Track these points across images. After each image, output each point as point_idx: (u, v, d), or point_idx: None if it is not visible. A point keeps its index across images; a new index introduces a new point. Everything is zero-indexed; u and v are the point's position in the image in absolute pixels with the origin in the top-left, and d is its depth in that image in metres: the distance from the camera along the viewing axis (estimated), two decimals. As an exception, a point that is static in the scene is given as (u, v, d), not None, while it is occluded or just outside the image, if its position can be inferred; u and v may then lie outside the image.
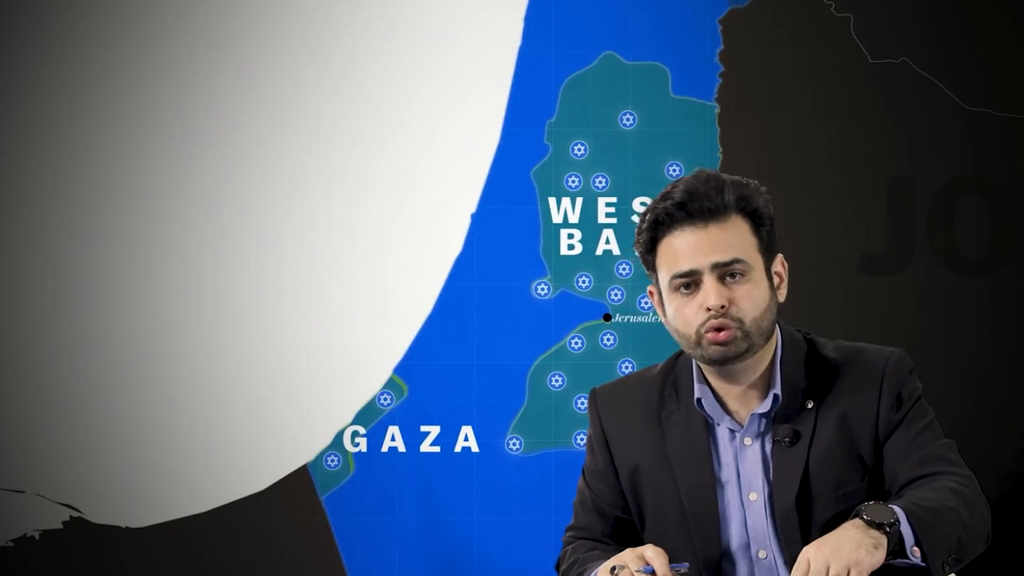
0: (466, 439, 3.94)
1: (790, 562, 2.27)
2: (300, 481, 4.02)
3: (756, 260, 2.38)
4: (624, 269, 4.01)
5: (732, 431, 2.42)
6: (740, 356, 2.37)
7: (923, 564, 2.19)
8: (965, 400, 4.03)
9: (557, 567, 2.53)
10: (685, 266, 2.35)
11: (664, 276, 2.40)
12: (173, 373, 4.09)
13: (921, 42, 4.02)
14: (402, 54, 4.07)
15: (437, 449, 3.94)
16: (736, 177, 2.40)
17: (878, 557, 2.14)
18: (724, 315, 2.34)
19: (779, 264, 2.43)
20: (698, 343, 2.37)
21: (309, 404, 4.06)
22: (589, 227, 4.02)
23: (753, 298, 2.36)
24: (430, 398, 3.95)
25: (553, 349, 3.93)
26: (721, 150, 4.01)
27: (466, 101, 4.02)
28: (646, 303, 3.97)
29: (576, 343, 3.93)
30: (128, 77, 4.10)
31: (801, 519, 2.35)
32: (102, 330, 4.09)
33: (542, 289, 3.94)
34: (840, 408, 2.39)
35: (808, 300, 3.84)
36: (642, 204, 3.98)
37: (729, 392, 2.43)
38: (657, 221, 2.38)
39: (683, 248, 2.37)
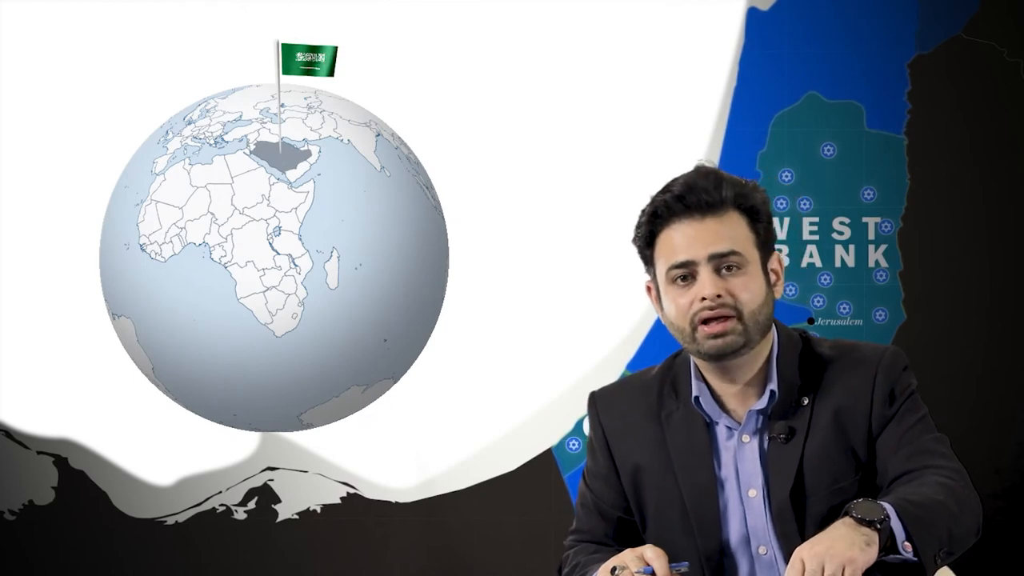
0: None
1: (789, 558, 2.16)
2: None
3: (753, 254, 2.33)
4: (825, 279, 4.20)
5: (730, 428, 2.37)
6: (736, 352, 2.31)
7: (915, 559, 2.15)
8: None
9: (559, 571, 2.49)
10: (682, 256, 2.31)
11: (661, 269, 2.34)
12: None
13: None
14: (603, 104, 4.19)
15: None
16: (735, 176, 2.35)
17: (871, 554, 2.10)
18: (720, 305, 2.29)
19: (776, 262, 2.38)
20: (693, 336, 2.31)
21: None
22: (795, 243, 4.20)
23: (750, 290, 2.30)
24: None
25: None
26: (909, 177, 4.21)
27: (688, 136, 4.17)
28: (844, 308, 4.18)
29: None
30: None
31: (796, 514, 2.31)
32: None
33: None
34: (835, 404, 2.33)
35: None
36: (841, 223, 4.19)
37: (726, 390, 2.37)
38: (655, 214, 2.33)
39: (680, 240, 2.31)
